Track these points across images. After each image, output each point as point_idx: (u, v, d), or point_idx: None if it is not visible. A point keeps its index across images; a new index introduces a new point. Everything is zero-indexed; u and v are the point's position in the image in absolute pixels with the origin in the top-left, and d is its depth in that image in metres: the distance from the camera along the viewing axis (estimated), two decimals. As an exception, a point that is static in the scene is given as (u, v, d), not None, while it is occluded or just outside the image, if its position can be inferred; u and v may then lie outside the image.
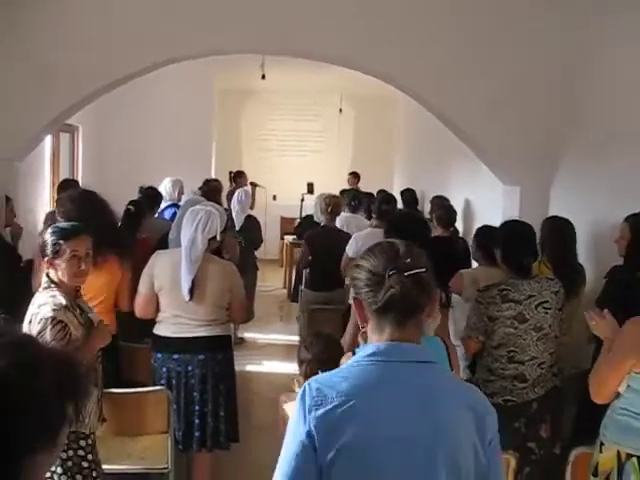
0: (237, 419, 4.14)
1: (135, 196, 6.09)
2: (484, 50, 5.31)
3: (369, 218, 7.22)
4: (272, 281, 11.11)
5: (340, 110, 13.52)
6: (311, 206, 8.15)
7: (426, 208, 8.02)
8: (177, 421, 3.92)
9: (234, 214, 7.05)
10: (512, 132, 5.44)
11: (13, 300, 3.57)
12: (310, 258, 6.35)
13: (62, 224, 3.29)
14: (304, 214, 9.84)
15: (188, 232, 3.93)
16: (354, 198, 7.74)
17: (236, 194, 7.33)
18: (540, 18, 5.24)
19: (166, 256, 4.05)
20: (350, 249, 5.69)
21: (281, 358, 7.23)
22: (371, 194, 8.47)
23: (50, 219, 4.97)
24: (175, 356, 3.97)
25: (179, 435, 3.96)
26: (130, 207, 5.44)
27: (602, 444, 2.80)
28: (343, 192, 9.06)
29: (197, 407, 3.99)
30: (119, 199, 5.44)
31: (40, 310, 3.01)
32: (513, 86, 5.34)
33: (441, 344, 2.93)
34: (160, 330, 4.04)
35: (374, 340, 1.80)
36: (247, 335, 7.91)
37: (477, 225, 5.45)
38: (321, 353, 3.34)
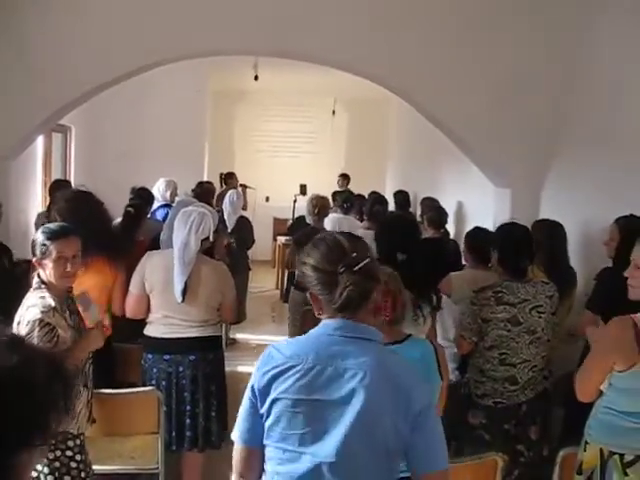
0: (227, 419, 4.15)
1: (127, 197, 6.08)
2: (475, 52, 5.33)
3: (361, 220, 7.23)
4: (264, 282, 11.10)
5: (333, 112, 13.53)
6: (304, 207, 8.16)
7: (418, 210, 8.04)
8: (168, 422, 3.92)
9: (226, 215, 7.05)
10: (503, 134, 5.46)
11: (9, 301, 3.57)
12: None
13: (51, 225, 3.27)
14: (297, 215, 9.85)
15: (181, 234, 3.92)
16: (346, 200, 7.75)
17: (228, 195, 7.33)
18: (533, 20, 5.26)
19: (157, 257, 4.05)
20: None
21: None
22: (362, 196, 8.48)
23: (42, 219, 4.96)
24: (166, 357, 3.97)
25: (171, 436, 3.96)
26: (130, 209, 5.43)
27: (587, 443, 2.83)
28: (335, 194, 9.08)
29: (188, 407, 3.99)
30: (111, 200, 5.41)
31: (28, 312, 3.01)
32: (504, 88, 5.36)
33: (430, 346, 2.95)
34: (150, 331, 4.04)
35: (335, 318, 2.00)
36: (239, 336, 7.90)
37: (468, 227, 5.47)
38: None
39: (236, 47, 5.48)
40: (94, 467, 3.33)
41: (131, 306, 4.02)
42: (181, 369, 3.97)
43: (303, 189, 11.50)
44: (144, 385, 3.96)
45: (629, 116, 4.37)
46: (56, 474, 3.06)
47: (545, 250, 4.36)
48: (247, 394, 2.04)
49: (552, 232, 4.50)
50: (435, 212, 6.55)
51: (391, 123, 12.79)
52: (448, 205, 7.18)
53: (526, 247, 3.80)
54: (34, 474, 3.01)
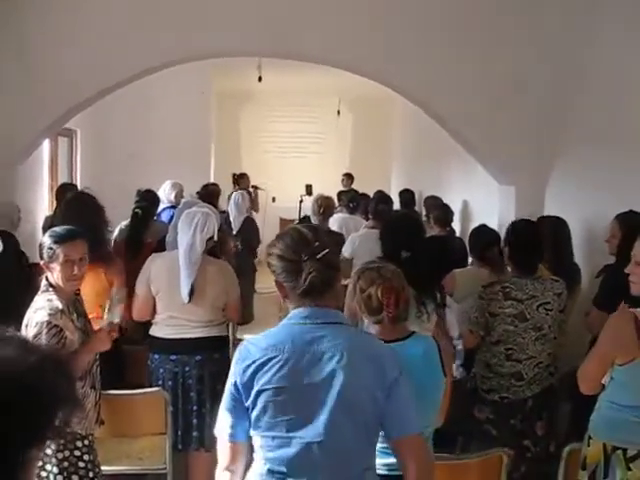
0: None
1: (133, 199, 6.12)
2: (478, 51, 5.35)
3: (367, 219, 7.24)
4: (271, 283, 10.99)
5: (338, 112, 13.53)
6: (309, 207, 8.17)
7: (423, 209, 8.05)
8: (175, 422, 3.93)
9: (232, 217, 7.07)
10: (507, 132, 5.47)
11: (18, 303, 3.60)
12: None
13: (58, 228, 3.30)
14: (303, 215, 9.85)
15: (186, 235, 3.93)
16: (352, 199, 7.77)
17: (233, 197, 7.35)
18: (536, 19, 5.27)
19: (162, 259, 4.07)
20: (346, 250, 5.69)
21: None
22: (367, 195, 8.49)
23: (49, 223, 4.99)
24: (172, 357, 3.98)
25: (177, 435, 3.98)
26: (137, 211, 5.46)
27: (590, 438, 2.84)
28: (341, 193, 9.09)
29: (195, 407, 4.00)
30: (117, 202, 5.47)
31: (36, 314, 3.04)
32: (508, 87, 5.37)
33: (433, 343, 2.95)
34: (156, 331, 4.05)
35: (302, 306, 2.12)
36: (246, 336, 7.91)
37: (474, 225, 5.48)
38: None
39: (238, 48, 5.51)
40: (103, 468, 3.36)
41: (137, 308, 4.04)
42: (187, 369, 3.99)
43: (309, 189, 11.49)
44: (150, 385, 3.98)
45: (633, 114, 4.37)
46: (65, 474, 3.09)
47: (549, 246, 4.37)
48: (229, 390, 2.11)
49: (556, 228, 4.51)
50: (441, 210, 6.56)
51: (396, 122, 12.79)
52: (453, 203, 7.18)
53: (537, 245, 3.83)
54: (43, 474, 3.04)
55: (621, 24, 4.57)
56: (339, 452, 2.05)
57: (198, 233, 3.93)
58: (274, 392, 2.02)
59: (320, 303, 2.11)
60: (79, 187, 6.72)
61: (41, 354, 1.22)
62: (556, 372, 3.93)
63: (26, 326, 3.03)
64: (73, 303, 3.24)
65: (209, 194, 7.07)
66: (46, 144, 6.80)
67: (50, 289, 3.14)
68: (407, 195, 8.56)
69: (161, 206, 6.78)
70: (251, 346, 2.09)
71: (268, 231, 10.43)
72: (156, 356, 4.03)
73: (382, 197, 7.43)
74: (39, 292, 3.17)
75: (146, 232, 5.41)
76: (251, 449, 2.13)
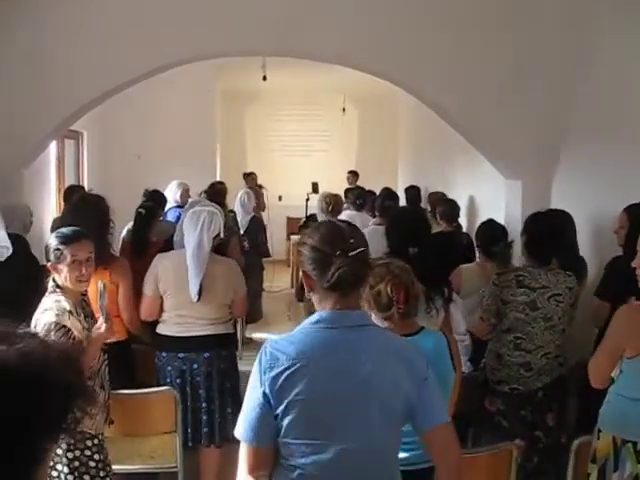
0: None
1: (140, 200, 6.14)
2: (485, 46, 5.33)
3: (373, 216, 7.25)
4: (279, 281, 11.15)
5: (343, 109, 13.53)
6: (316, 206, 8.19)
7: (429, 205, 8.05)
8: (184, 419, 3.95)
9: (238, 216, 7.09)
10: (513, 126, 5.45)
11: (29, 304, 3.62)
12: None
13: (64, 229, 3.32)
14: (309, 214, 9.87)
15: (193, 234, 3.96)
16: (359, 197, 7.77)
17: (238, 196, 7.37)
18: (542, 14, 5.25)
19: (169, 258, 4.09)
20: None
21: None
22: (373, 192, 8.50)
23: (56, 225, 5.01)
24: (180, 355, 4.01)
25: (187, 433, 4.00)
26: (141, 210, 5.48)
27: (599, 431, 2.84)
28: (348, 191, 9.10)
29: (204, 404, 4.03)
30: (125, 203, 5.49)
31: (44, 315, 3.05)
32: (514, 80, 5.35)
33: (442, 338, 2.96)
34: (163, 329, 4.08)
35: (319, 309, 2.10)
36: (255, 335, 7.95)
37: (481, 220, 5.48)
38: None
39: (242, 48, 5.50)
40: (114, 467, 3.38)
41: (145, 308, 4.06)
42: (195, 366, 4.01)
43: (315, 187, 11.52)
44: (158, 383, 4.01)
45: (639, 107, 4.36)
46: (75, 473, 3.11)
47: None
48: (254, 397, 2.04)
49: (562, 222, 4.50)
50: (447, 206, 6.56)
51: (401, 119, 12.78)
52: (460, 199, 7.18)
53: (554, 236, 3.87)
54: (54, 474, 3.06)
55: (627, 17, 4.55)
56: (374, 455, 2.07)
57: (205, 232, 3.96)
58: (308, 401, 1.99)
59: (344, 305, 2.06)
60: (86, 188, 6.75)
61: (56, 349, 1.24)
62: (565, 363, 3.95)
63: (34, 327, 3.04)
64: (80, 304, 3.26)
65: (216, 193, 7.08)
66: (53, 146, 6.82)
67: (57, 290, 3.16)
68: (413, 191, 8.55)
69: (168, 206, 6.81)
70: (278, 353, 2.02)
71: (275, 230, 10.54)
72: (163, 354, 4.06)
73: (389, 194, 7.43)
74: (47, 293, 3.18)
75: (150, 231, 5.42)
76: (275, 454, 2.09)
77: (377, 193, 8.30)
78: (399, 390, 2.04)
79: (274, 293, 10.42)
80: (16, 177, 5.39)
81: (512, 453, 2.97)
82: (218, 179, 10.24)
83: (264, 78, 9.91)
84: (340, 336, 2.05)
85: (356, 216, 7.23)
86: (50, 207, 7.04)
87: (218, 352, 4.06)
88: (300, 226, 9.16)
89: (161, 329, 4.09)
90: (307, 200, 11.14)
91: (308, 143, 14.14)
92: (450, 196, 7.43)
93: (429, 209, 7.67)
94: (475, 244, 4.89)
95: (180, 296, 3.97)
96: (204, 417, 4.03)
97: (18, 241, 4.27)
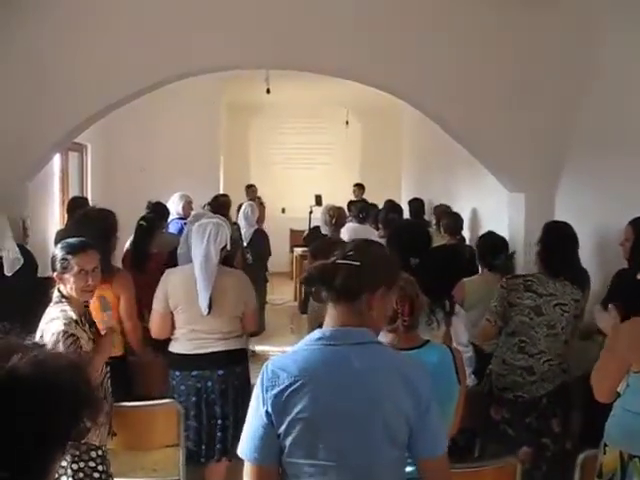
0: None
1: (143, 212, 6.15)
2: (487, 59, 5.35)
3: (377, 228, 7.25)
4: (283, 294, 11.13)
5: (346, 122, 13.57)
6: (319, 218, 8.19)
7: (433, 218, 8.05)
8: (198, 436, 3.94)
9: (242, 229, 7.09)
10: (516, 138, 5.46)
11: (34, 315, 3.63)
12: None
13: (70, 239, 3.33)
14: (313, 226, 9.88)
15: (200, 247, 3.93)
16: (362, 209, 7.78)
17: (242, 209, 7.38)
18: (544, 27, 5.27)
19: (178, 273, 4.05)
20: (357, 260, 5.68)
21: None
22: (376, 205, 8.51)
23: (59, 237, 5.02)
24: (194, 373, 3.96)
25: (201, 448, 3.97)
26: (142, 222, 5.48)
27: (605, 445, 2.82)
28: (351, 204, 9.10)
29: (219, 421, 3.99)
30: (128, 215, 5.50)
31: (51, 324, 3.06)
32: (517, 93, 5.36)
33: (447, 351, 2.95)
34: (176, 348, 4.03)
35: (326, 325, 2.10)
36: (259, 348, 7.91)
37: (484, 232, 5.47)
38: None
39: (245, 61, 5.52)
40: (117, 480, 3.38)
41: (157, 324, 4.02)
42: (210, 384, 3.97)
43: (318, 200, 11.52)
44: (171, 399, 3.99)
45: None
46: None
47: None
48: (257, 415, 2.03)
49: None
50: (451, 218, 6.57)
51: (405, 131, 12.80)
52: (463, 211, 7.18)
53: (567, 248, 3.99)
54: None
55: (629, 26, 4.55)
56: (378, 475, 2.05)
57: (212, 244, 3.94)
58: (310, 420, 1.97)
59: (346, 321, 2.06)
60: (90, 201, 6.76)
61: (65, 359, 1.28)
62: (568, 369, 3.98)
63: (41, 337, 3.05)
64: (84, 314, 3.27)
65: (220, 205, 7.11)
66: (57, 159, 6.84)
67: (63, 300, 3.17)
68: (416, 204, 8.56)
69: (170, 218, 6.82)
70: (279, 371, 2.01)
71: (278, 242, 10.52)
72: (177, 373, 4.01)
73: (392, 206, 7.45)
74: (51, 303, 3.19)
75: (152, 243, 5.42)
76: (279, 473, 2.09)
77: (380, 206, 8.32)
78: (401, 412, 2.02)
79: (277, 306, 10.41)
80: (20, 190, 5.41)
81: (517, 467, 2.95)
82: (221, 192, 10.27)
83: (268, 91, 9.94)
84: (342, 353, 2.02)
85: (359, 229, 7.23)
86: (54, 219, 7.05)
87: (232, 369, 4.02)
88: (304, 238, 9.16)
89: (174, 347, 4.04)
90: (310, 212, 11.14)
91: (311, 156, 14.16)
92: (454, 209, 7.44)
93: (434, 221, 7.68)
94: (477, 256, 4.89)
95: (191, 310, 3.93)
96: (218, 434, 3.98)
97: (26, 253, 4.29)
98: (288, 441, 1.99)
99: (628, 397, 2.76)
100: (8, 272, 4.30)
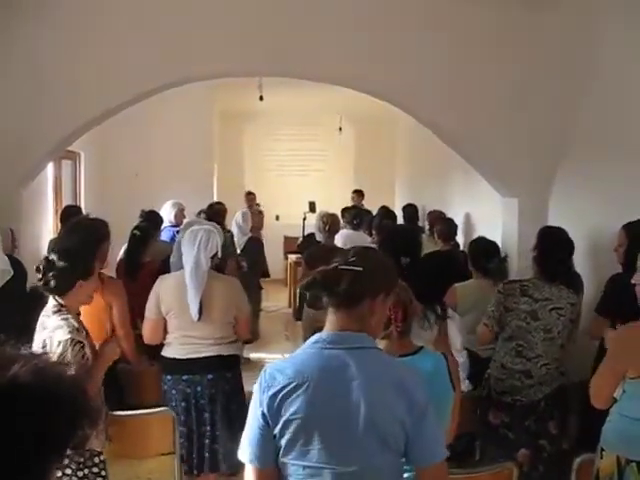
0: None
1: (137, 220, 6.14)
2: (481, 65, 5.36)
3: (370, 234, 7.26)
4: (277, 301, 11.12)
5: (340, 129, 13.59)
6: (313, 225, 8.19)
7: (427, 224, 8.06)
8: (190, 444, 3.94)
9: (235, 237, 7.10)
10: (509, 144, 5.47)
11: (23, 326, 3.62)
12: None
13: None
14: (307, 233, 9.88)
15: (191, 254, 3.96)
16: (356, 216, 7.78)
17: (235, 217, 7.39)
18: (536, 34, 5.29)
19: (170, 280, 4.07)
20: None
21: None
22: (370, 211, 8.52)
23: (52, 246, 5.00)
24: (184, 377, 3.99)
25: (192, 458, 3.97)
26: (135, 232, 5.48)
27: (602, 450, 2.82)
28: (344, 210, 9.11)
29: (208, 428, 3.99)
30: (122, 224, 5.50)
31: (56, 333, 3.07)
32: (510, 99, 5.37)
33: (441, 358, 2.96)
34: (168, 352, 4.05)
35: (325, 330, 2.12)
36: (253, 355, 7.90)
37: (477, 238, 5.48)
38: None
39: (238, 68, 5.53)
40: (112, 489, 3.36)
41: (149, 331, 4.05)
42: (199, 389, 3.98)
43: (312, 206, 11.53)
44: (165, 407, 3.98)
45: (635, 125, 4.37)
46: None
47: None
48: (254, 416, 2.07)
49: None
50: (445, 224, 6.58)
51: (398, 137, 12.83)
52: (457, 217, 7.20)
53: (563, 253, 4.00)
54: None
55: (629, 26, 4.55)
56: (373, 478, 2.05)
57: (202, 250, 3.97)
58: (304, 421, 2.00)
59: (344, 326, 2.08)
60: (83, 209, 6.75)
61: (65, 368, 1.31)
62: (566, 372, 4.01)
63: (43, 347, 3.05)
64: (79, 322, 3.27)
65: (215, 213, 7.11)
66: (50, 167, 6.82)
67: (62, 309, 3.17)
68: (410, 210, 8.58)
69: (163, 226, 6.81)
70: (276, 373, 2.05)
71: (272, 249, 10.53)
72: (168, 377, 4.03)
73: (386, 212, 7.45)
74: (49, 312, 3.18)
75: (145, 252, 5.42)
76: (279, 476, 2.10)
77: (374, 212, 8.33)
78: (396, 418, 2.02)
79: (272, 313, 10.40)
80: (15, 198, 5.39)
81: (513, 471, 2.95)
82: (215, 199, 10.27)
83: (261, 98, 9.96)
84: (340, 357, 2.04)
85: (354, 235, 7.23)
86: (47, 228, 7.02)
87: (222, 374, 4.02)
88: (298, 245, 9.17)
89: (166, 352, 4.06)
90: (304, 219, 11.15)
91: (305, 162, 14.18)
92: (447, 214, 7.45)
93: (428, 227, 7.69)
94: (469, 262, 4.90)
95: (183, 316, 3.95)
96: (206, 441, 3.99)
97: (17, 264, 4.28)
98: (283, 442, 2.02)
99: (624, 403, 2.76)
100: None
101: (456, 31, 5.31)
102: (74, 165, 7.91)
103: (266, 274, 8.72)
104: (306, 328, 6.16)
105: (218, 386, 4.00)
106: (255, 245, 7.64)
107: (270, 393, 2.02)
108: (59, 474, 2.95)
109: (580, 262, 4.57)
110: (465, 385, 3.99)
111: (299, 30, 5.22)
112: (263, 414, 2.04)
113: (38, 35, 5.09)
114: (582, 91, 5.11)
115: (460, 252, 6.34)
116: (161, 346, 4.08)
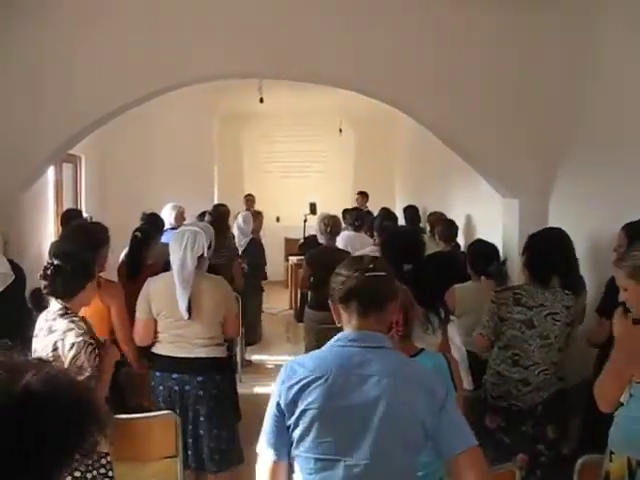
0: (239, 440, 4.18)
1: (138, 223, 6.15)
2: (481, 66, 5.37)
3: (371, 236, 7.27)
4: (278, 302, 11.12)
5: (340, 130, 13.60)
6: (314, 226, 8.20)
7: (427, 225, 8.06)
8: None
9: (236, 239, 7.11)
10: (509, 144, 5.48)
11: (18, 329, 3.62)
12: (312, 278, 6.37)
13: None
14: (308, 234, 9.89)
15: (177, 254, 4.02)
16: (357, 218, 7.79)
17: (236, 219, 7.40)
18: (539, 34, 5.29)
19: (159, 280, 4.12)
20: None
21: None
22: (371, 213, 8.52)
23: (53, 249, 5.00)
24: (174, 375, 4.02)
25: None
26: (137, 234, 5.48)
27: (612, 453, 2.80)
28: (345, 212, 9.12)
29: (190, 427, 4.02)
30: (123, 227, 5.50)
31: (69, 335, 3.09)
32: (510, 100, 5.38)
33: (442, 359, 2.97)
34: (159, 349, 4.09)
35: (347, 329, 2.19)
36: (255, 357, 7.91)
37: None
38: None
39: (239, 70, 5.54)
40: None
41: (138, 331, 4.07)
42: (187, 388, 4.01)
43: (313, 208, 11.54)
44: (154, 403, 4.03)
45: (637, 125, 4.37)
46: None
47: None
48: (272, 410, 2.14)
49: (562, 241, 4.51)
50: (446, 225, 6.59)
51: (398, 139, 12.84)
52: (458, 218, 7.20)
53: (554, 255, 3.90)
54: None
55: (629, 26, 4.55)
56: (385, 475, 2.09)
57: (188, 251, 4.02)
58: (319, 412, 2.06)
59: (364, 326, 2.16)
60: (84, 212, 6.76)
61: (74, 375, 1.37)
62: (565, 377, 3.97)
63: (54, 349, 3.06)
64: (87, 324, 3.30)
65: (220, 215, 7.11)
66: (51, 171, 6.82)
67: (69, 312, 3.18)
68: (411, 211, 8.58)
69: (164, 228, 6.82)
70: (297, 366, 2.14)
71: (273, 251, 10.53)
72: (157, 374, 4.08)
73: (387, 214, 7.45)
74: (56, 316, 3.18)
75: (146, 254, 5.43)
76: (290, 470, 2.15)
77: (374, 213, 8.33)
78: (416, 417, 2.07)
79: (273, 315, 10.40)
80: (15, 201, 5.40)
81: (515, 473, 2.95)
82: (216, 201, 10.28)
83: (261, 100, 9.97)
84: (360, 354, 2.11)
85: (355, 237, 7.24)
86: (48, 231, 7.02)
87: (212, 376, 4.05)
88: (299, 247, 9.16)
89: (157, 348, 4.10)
90: (305, 221, 11.16)
91: (305, 164, 14.19)
92: (448, 216, 7.46)
93: (428, 228, 7.69)
94: (468, 264, 4.90)
95: (173, 316, 4.00)
96: (189, 440, 4.01)
97: (18, 269, 4.29)
98: (297, 432, 2.08)
99: (632, 406, 2.72)
100: None
101: (456, 31, 5.32)
102: (75, 168, 7.91)
103: (264, 276, 8.72)
104: (308, 330, 6.16)
105: (206, 388, 4.03)
106: (256, 247, 7.64)
107: (288, 384, 2.10)
108: (68, 478, 2.96)
109: (580, 262, 4.56)
110: (467, 382, 3.99)
111: (299, 32, 5.23)
112: (278, 404, 2.11)
113: (38, 35, 5.09)
114: (582, 91, 5.11)
115: (461, 253, 6.35)
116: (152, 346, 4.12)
